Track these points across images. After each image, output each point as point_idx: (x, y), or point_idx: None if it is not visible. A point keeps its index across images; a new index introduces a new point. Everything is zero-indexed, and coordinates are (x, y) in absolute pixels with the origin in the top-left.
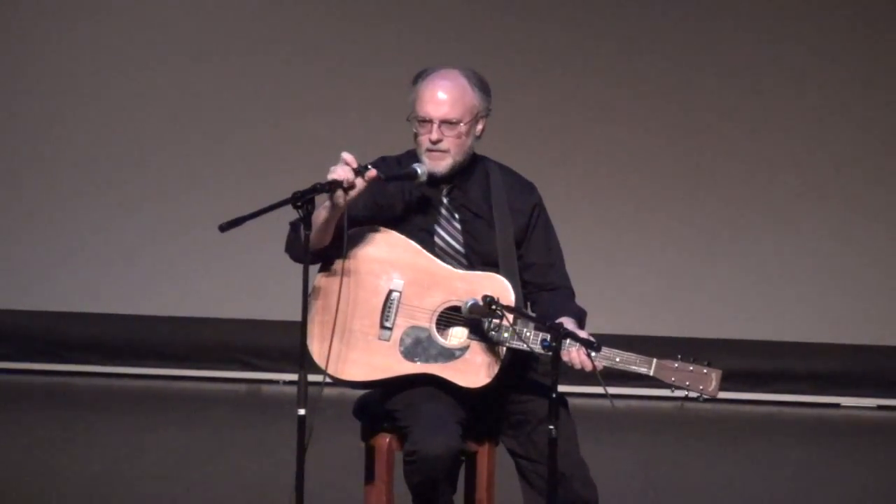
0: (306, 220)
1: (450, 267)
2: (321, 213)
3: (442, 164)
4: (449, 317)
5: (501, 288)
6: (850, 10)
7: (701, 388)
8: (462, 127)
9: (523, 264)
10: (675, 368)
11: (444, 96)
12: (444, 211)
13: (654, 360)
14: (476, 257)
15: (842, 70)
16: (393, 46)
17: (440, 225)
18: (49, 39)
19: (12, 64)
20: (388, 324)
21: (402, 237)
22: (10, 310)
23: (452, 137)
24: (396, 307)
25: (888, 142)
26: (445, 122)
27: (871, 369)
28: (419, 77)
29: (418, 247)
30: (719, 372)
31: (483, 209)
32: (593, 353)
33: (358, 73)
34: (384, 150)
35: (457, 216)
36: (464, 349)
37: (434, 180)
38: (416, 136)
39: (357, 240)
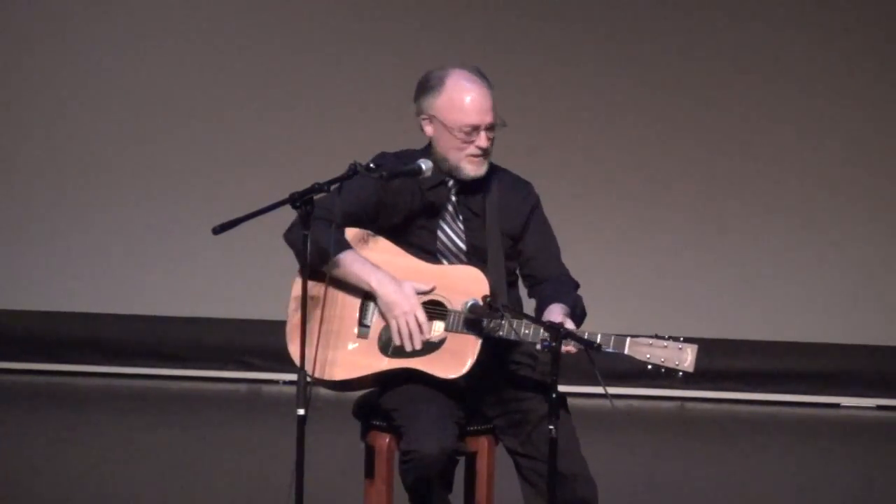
0: (305, 220)
1: (427, 263)
2: (352, 272)
3: (482, 168)
4: (427, 311)
5: (476, 279)
6: (861, 4)
7: (676, 363)
8: (496, 128)
9: (523, 260)
10: (649, 345)
11: (486, 102)
12: (450, 208)
13: (628, 339)
14: (476, 255)
15: (852, 67)
16: (391, 46)
17: (445, 221)
18: (43, 40)
19: (7, 64)
20: (366, 322)
21: (381, 238)
22: (10, 310)
23: (491, 140)
24: (374, 306)
25: (891, 141)
26: (489, 128)
27: (871, 369)
28: (442, 78)
29: (396, 246)
30: (695, 346)
31: (482, 208)
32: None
33: (356, 72)
34: (381, 149)
35: (461, 216)
36: (440, 341)
37: (441, 180)
38: (448, 139)
39: None
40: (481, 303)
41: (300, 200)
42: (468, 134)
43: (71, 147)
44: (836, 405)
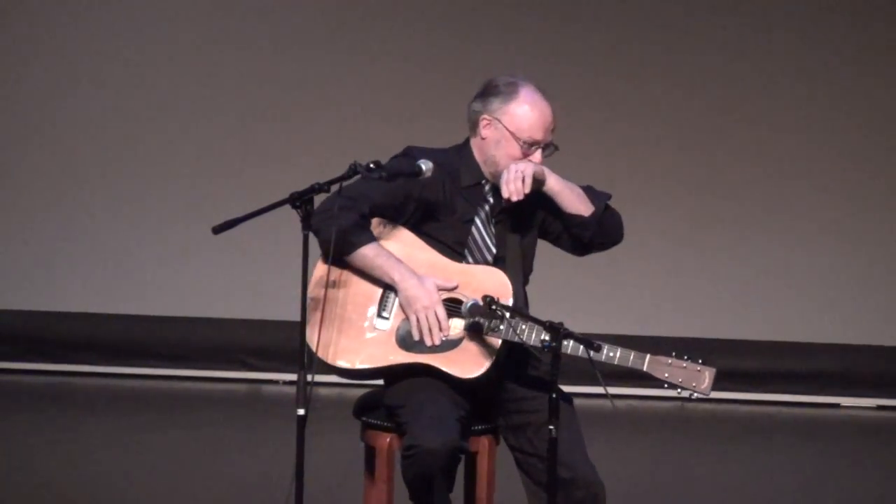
0: (305, 220)
1: (450, 260)
2: (376, 265)
3: None
4: (447, 308)
5: (500, 282)
6: (859, 5)
7: (693, 385)
8: (548, 150)
9: (563, 230)
10: (668, 364)
11: (552, 123)
12: (487, 208)
13: (648, 356)
14: (502, 259)
15: (847, 68)
16: (393, 46)
17: (481, 220)
18: (43, 39)
19: (7, 64)
20: (385, 314)
21: (405, 230)
22: (10, 310)
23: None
24: (395, 297)
25: (890, 141)
26: (545, 147)
27: (871, 369)
28: (515, 87)
29: (420, 240)
30: (713, 370)
31: (510, 211)
32: (593, 354)
33: (358, 72)
34: (381, 149)
35: (494, 219)
36: (459, 340)
37: (477, 181)
38: (507, 146)
39: None
40: (481, 303)
41: (300, 200)
42: (529, 146)
43: (70, 147)
44: (836, 405)
